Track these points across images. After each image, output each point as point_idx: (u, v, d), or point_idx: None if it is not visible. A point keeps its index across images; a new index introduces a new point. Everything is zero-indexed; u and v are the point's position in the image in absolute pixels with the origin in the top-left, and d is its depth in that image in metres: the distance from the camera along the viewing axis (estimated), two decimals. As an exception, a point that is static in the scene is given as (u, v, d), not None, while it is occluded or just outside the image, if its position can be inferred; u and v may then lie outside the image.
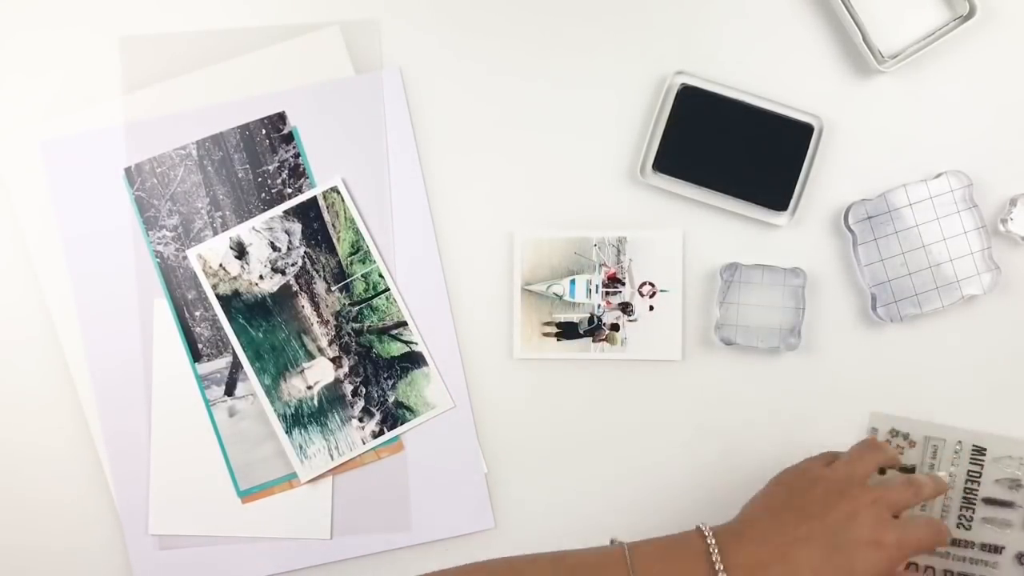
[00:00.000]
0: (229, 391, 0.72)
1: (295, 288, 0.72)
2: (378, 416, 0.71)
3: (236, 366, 0.72)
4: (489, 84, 0.73)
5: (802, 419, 0.71)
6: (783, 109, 0.71)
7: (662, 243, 0.71)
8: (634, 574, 0.55)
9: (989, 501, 0.69)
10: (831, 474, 0.60)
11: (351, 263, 0.72)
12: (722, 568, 0.54)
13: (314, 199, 0.72)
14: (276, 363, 0.72)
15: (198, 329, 0.72)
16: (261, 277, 0.72)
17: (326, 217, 0.72)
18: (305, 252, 0.72)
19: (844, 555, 0.55)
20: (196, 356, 0.72)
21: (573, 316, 0.71)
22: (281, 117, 0.73)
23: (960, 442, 0.69)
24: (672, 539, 0.58)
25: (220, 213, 0.72)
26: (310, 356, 0.72)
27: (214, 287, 0.72)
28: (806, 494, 0.58)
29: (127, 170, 0.72)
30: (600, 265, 0.72)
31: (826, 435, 0.71)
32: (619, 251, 0.71)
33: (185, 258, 0.72)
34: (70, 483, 0.72)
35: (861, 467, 0.60)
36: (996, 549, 0.69)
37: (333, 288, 0.72)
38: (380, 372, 0.72)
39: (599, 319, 0.71)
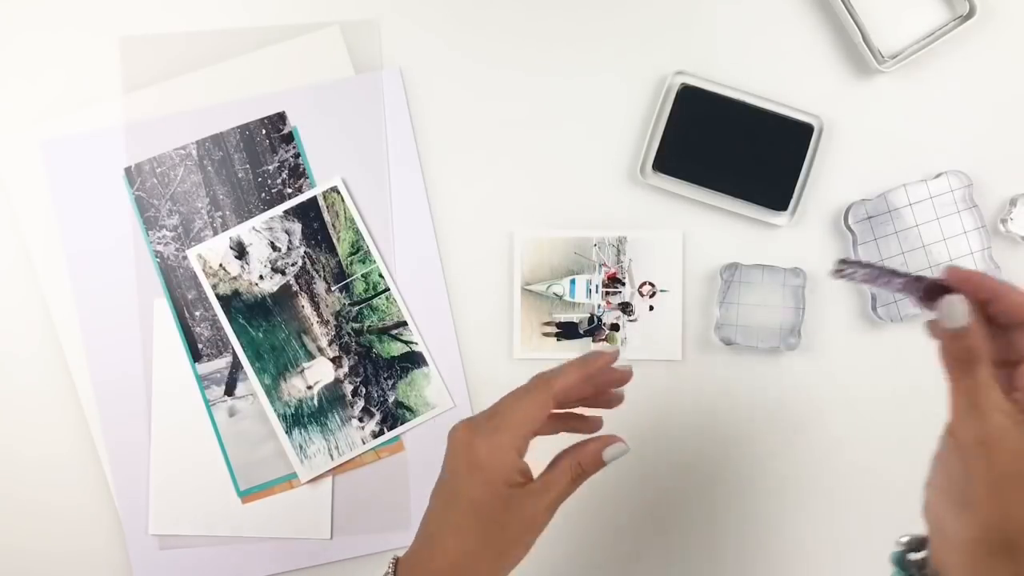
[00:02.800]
0: (229, 391, 0.72)
1: (295, 288, 0.72)
2: (378, 416, 0.71)
3: (236, 366, 0.72)
4: (489, 84, 0.73)
5: (802, 419, 0.71)
6: (783, 109, 0.71)
7: (662, 243, 0.71)
8: None
9: None
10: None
11: (351, 263, 0.72)
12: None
13: (314, 199, 0.72)
14: (276, 363, 0.72)
15: (198, 329, 0.72)
16: (261, 277, 0.72)
17: (326, 217, 0.72)
18: (305, 252, 0.72)
19: (453, 496, 0.52)
20: (196, 356, 0.72)
21: (573, 316, 0.71)
22: (281, 117, 0.73)
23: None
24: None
25: (220, 213, 0.72)
26: (310, 356, 0.72)
27: (214, 287, 0.72)
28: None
29: (127, 170, 0.72)
30: (600, 265, 0.72)
31: (826, 435, 0.71)
32: (619, 251, 0.71)
33: (185, 258, 0.72)
34: (70, 483, 0.72)
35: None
36: None
37: (333, 288, 0.72)
38: (380, 372, 0.72)
39: (599, 319, 0.71)
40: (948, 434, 0.47)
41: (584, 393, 0.57)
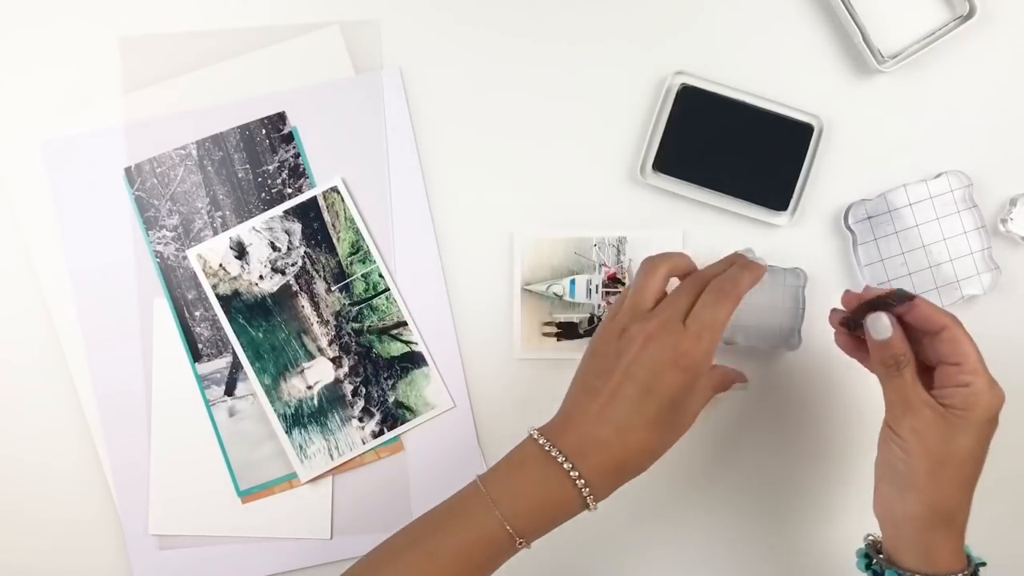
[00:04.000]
0: (229, 391, 0.72)
1: (295, 288, 0.72)
2: (378, 416, 0.71)
3: (236, 366, 0.72)
4: (489, 84, 0.73)
5: (802, 419, 0.71)
6: (783, 109, 0.71)
7: (662, 243, 0.71)
8: (492, 499, 0.56)
9: None
10: (618, 321, 0.59)
11: (351, 263, 0.72)
12: (562, 456, 0.56)
13: (314, 199, 0.72)
14: (276, 363, 0.72)
15: (198, 329, 0.72)
16: (261, 277, 0.72)
17: (326, 217, 0.72)
18: (305, 252, 0.72)
19: (653, 392, 0.56)
20: (196, 356, 0.72)
21: (573, 316, 0.71)
22: (281, 117, 0.73)
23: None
24: (512, 453, 0.59)
25: (220, 213, 0.72)
26: (310, 356, 0.72)
27: (214, 287, 0.72)
28: (603, 351, 0.59)
29: (127, 170, 0.72)
30: (600, 265, 0.72)
31: (827, 436, 0.71)
32: (619, 251, 0.71)
33: (185, 258, 0.72)
34: (70, 483, 0.72)
35: (640, 296, 0.59)
36: None
37: (333, 288, 0.72)
38: (380, 372, 0.72)
39: (599, 319, 0.71)
40: (886, 428, 0.57)
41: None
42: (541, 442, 0.57)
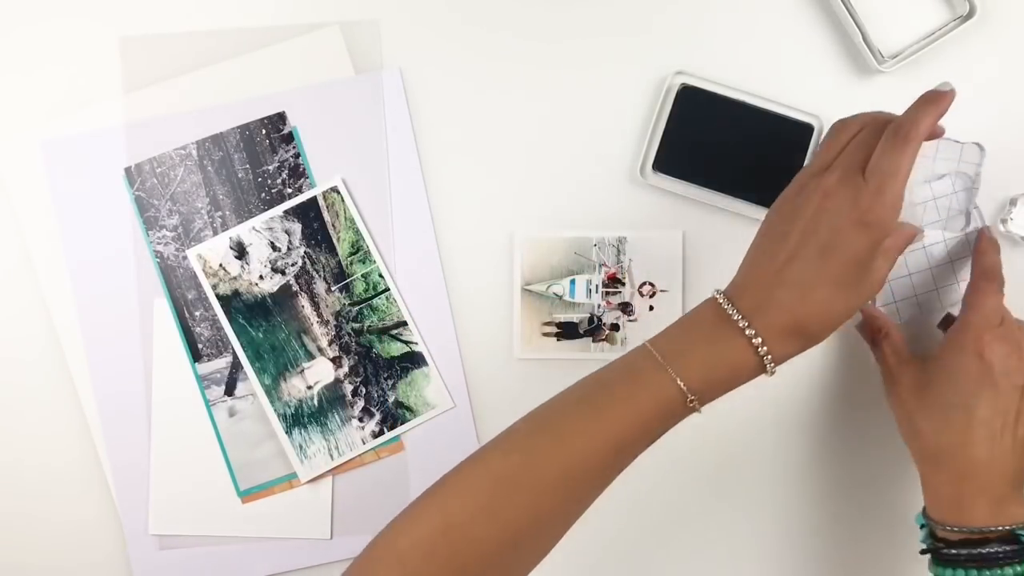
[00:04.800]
0: (229, 391, 0.72)
1: (295, 288, 0.72)
2: (378, 416, 0.71)
3: (236, 366, 0.72)
4: (489, 84, 0.73)
5: (800, 420, 0.71)
6: (783, 109, 0.71)
7: (662, 243, 0.71)
8: (662, 357, 0.54)
9: None
10: (798, 179, 0.56)
11: (351, 263, 0.72)
12: (738, 315, 0.53)
13: (314, 199, 0.72)
14: (276, 363, 0.72)
15: (198, 329, 0.72)
16: (261, 277, 0.72)
17: (326, 217, 0.72)
18: (305, 252, 0.72)
19: (834, 249, 0.53)
20: (196, 356, 0.72)
21: (573, 316, 0.71)
22: (281, 117, 0.73)
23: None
24: (683, 318, 0.57)
25: (220, 213, 0.72)
26: (310, 356, 0.72)
27: (214, 287, 0.72)
28: (782, 211, 0.56)
29: (127, 170, 0.72)
30: (600, 265, 0.72)
31: (826, 437, 0.71)
32: (619, 251, 0.71)
33: (185, 258, 0.72)
34: (70, 483, 0.72)
35: (823, 154, 0.56)
36: None
37: (333, 288, 0.72)
38: (380, 372, 0.72)
39: (599, 319, 0.71)
40: (888, 395, 0.64)
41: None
42: (720, 300, 0.54)
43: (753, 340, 0.53)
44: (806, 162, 0.60)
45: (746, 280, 0.55)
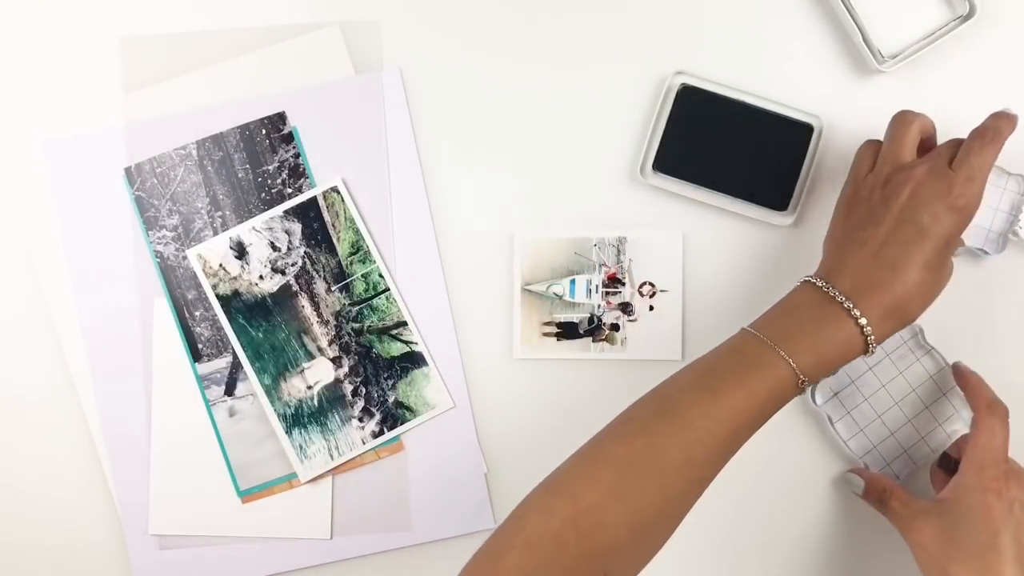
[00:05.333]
0: (229, 391, 0.72)
1: (295, 288, 0.72)
2: (378, 416, 0.71)
3: (236, 366, 0.72)
4: (489, 84, 0.73)
5: (797, 422, 0.71)
6: (783, 109, 0.71)
7: (662, 243, 0.71)
8: (772, 340, 0.56)
9: None
10: (877, 174, 0.60)
11: (351, 263, 0.72)
12: (842, 296, 0.56)
13: (314, 199, 0.72)
14: (276, 363, 0.72)
15: (198, 329, 0.72)
16: (261, 277, 0.72)
17: (326, 217, 0.72)
18: (305, 252, 0.72)
19: (929, 233, 0.57)
20: (196, 356, 0.72)
21: (573, 316, 0.71)
22: (281, 117, 0.73)
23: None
24: (780, 303, 0.59)
25: (220, 213, 0.72)
26: (310, 356, 0.72)
27: (214, 287, 0.72)
28: (866, 206, 0.60)
29: (127, 170, 0.72)
30: (600, 265, 0.72)
31: (826, 438, 0.71)
32: (619, 251, 0.71)
33: (185, 258, 0.72)
34: (70, 483, 0.72)
35: (899, 150, 0.61)
36: None
37: (333, 288, 0.72)
38: (380, 372, 0.72)
39: (599, 319, 0.71)
40: (914, 549, 0.61)
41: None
42: (819, 284, 0.57)
43: (859, 320, 0.55)
44: (855, 164, 0.64)
45: (841, 264, 0.58)
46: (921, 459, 0.69)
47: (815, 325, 0.56)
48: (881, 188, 0.59)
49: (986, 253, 0.69)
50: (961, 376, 0.66)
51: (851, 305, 0.55)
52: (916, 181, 0.58)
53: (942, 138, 0.71)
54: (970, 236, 0.68)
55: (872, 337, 0.56)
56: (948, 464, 0.66)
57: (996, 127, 0.59)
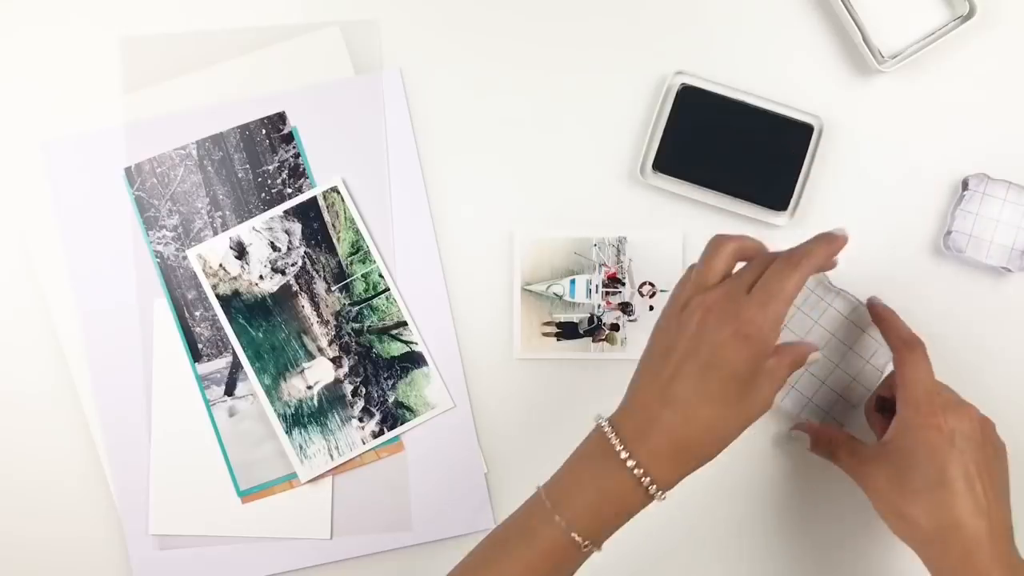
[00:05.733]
0: (229, 391, 0.72)
1: (295, 288, 0.72)
2: (378, 416, 0.72)
3: (236, 366, 0.72)
4: (489, 84, 0.73)
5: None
6: (783, 109, 0.71)
7: (662, 243, 0.71)
8: (552, 504, 0.54)
9: None
10: (677, 300, 0.56)
11: (351, 263, 0.72)
12: (620, 445, 0.53)
13: (314, 199, 0.72)
14: (276, 363, 0.72)
15: (198, 329, 0.72)
16: (261, 277, 0.72)
17: (326, 217, 0.72)
18: (305, 252, 0.72)
19: (714, 365, 0.52)
20: (196, 356, 0.72)
21: (573, 316, 0.71)
22: (281, 117, 0.73)
23: None
24: (577, 448, 0.56)
25: (220, 213, 0.72)
26: (310, 356, 0.72)
27: (214, 287, 0.72)
28: (665, 328, 0.56)
29: (127, 170, 0.72)
30: (600, 265, 0.72)
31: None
32: (619, 251, 0.71)
33: (185, 258, 0.72)
34: (70, 483, 0.72)
35: (705, 273, 0.55)
36: None
37: (333, 288, 0.72)
38: (380, 372, 0.72)
39: (599, 319, 0.71)
40: (869, 496, 0.62)
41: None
42: (605, 428, 0.54)
43: (634, 472, 0.52)
44: (681, 275, 0.59)
45: (632, 403, 0.55)
46: (857, 399, 0.69)
47: (593, 481, 0.54)
48: (679, 313, 0.55)
49: (1009, 271, 0.69)
50: (876, 313, 0.65)
51: (627, 455, 0.52)
52: (706, 307, 0.53)
53: (934, 138, 0.71)
54: (993, 254, 0.69)
55: (654, 487, 0.52)
56: (884, 406, 0.66)
57: (808, 251, 0.54)
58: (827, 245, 0.55)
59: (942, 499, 0.57)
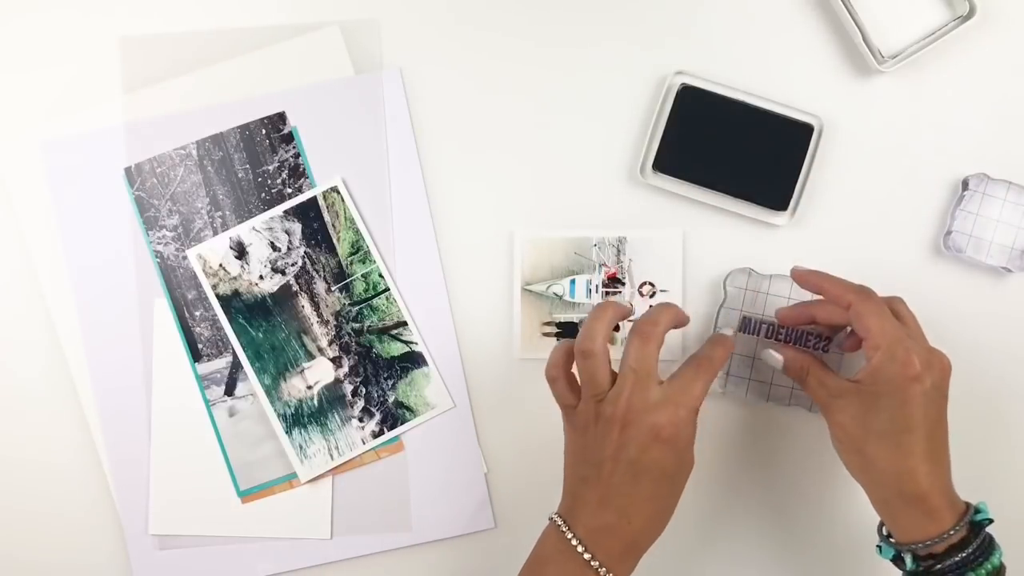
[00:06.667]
0: (229, 391, 0.72)
1: (295, 288, 0.72)
2: (378, 416, 0.71)
3: (236, 366, 0.72)
4: (489, 84, 0.73)
5: (793, 423, 0.71)
6: (783, 109, 0.71)
7: (662, 243, 0.71)
8: None
9: None
10: (584, 409, 0.59)
11: (351, 263, 0.72)
12: (581, 546, 0.56)
13: (314, 199, 0.72)
14: (276, 363, 0.72)
15: (198, 329, 0.72)
16: (261, 277, 0.72)
17: (326, 217, 0.72)
18: (305, 252, 0.72)
19: (643, 471, 0.57)
20: (196, 356, 0.72)
21: (573, 316, 0.71)
22: (281, 117, 0.73)
23: None
24: (535, 550, 0.60)
25: (220, 213, 0.72)
26: (310, 356, 0.72)
27: (214, 287, 0.72)
28: (584, 436, 0.59)
29: (127, 170, 0.72)
30: (600, 265, 0.72)
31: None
32: (619, 251, 0.71)
33: (185, 258, 0.72)
34: (70, 483, 0.72)
35: (596, 380, 0.59)
36: None
37: (333, 288, 0.72)
38: (380, 372, 0.72)
39: (599, 319, 0.71)
40: (831, 427, 0.62)
41: None
42: (561, 527, 0.58)
43: (599, 571, 0.56)
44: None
45: (574, 505, 0.59)
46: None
47: None
48: (595, 424, 0.58)
49: (1009, 271, 0.69)
50: (811, 281, 0.64)
51: (590, 556, 0.56)
52: (621, 425, 0.57)
53: (934, 138, 0.71)
54: (993, 254, 0.69)
55: None
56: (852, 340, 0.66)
57: (654, 318, 0.59)
58: (669, 311, 0.60)
59: (906, 444, 0.58)
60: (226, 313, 0.72)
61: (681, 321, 0.62)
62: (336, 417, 0.71)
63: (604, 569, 0.56)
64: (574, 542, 0.57)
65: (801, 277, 0.65)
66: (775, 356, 0.66)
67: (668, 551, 0.71)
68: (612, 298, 0.64)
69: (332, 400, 0.71)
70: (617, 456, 0.57)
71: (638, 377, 0.57)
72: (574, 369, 0.60)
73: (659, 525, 0.59)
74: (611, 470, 0.57)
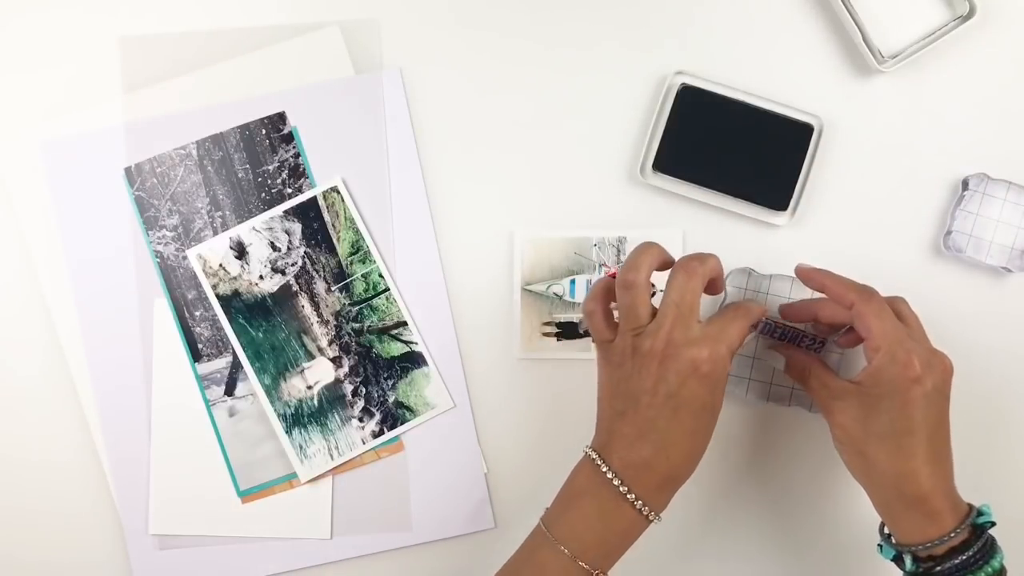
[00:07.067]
0: (229, 391, 0.72)
1: (295, 288, 0.72)
2: (378, 416, 0.71)
3: (236, 366, 0.72)
4: (489, 84, 0.73)
5: (793, 422, 0.71)
6: (783, 109, 0.71)
7: (662, 243, 0.71)
8: (558, 539, 0.57)
9: None
10: (620, 343, 0.59)
11: (351, 263, 0.72)
12: (618, 481, 0.57)
13: (314, 199, 0.72)
14: (276, 363, 0.72)
15: (198, 329, 0.72)
16: (261, 277, 0.72)
17: (326, 217, 0.72)
18: (305, 252, 0.72)
19: (682, 405, 0.57)
20: (196, 356, 0.72)
21: (573, 316, 0.71)
22: (281, 117, 0.73)
23: None
24: (568, 481, 0.60)
25: (220, 213, 0.72)
26: (310, 356, 0.72)
27: (214, 287, 0.72)
28: (620, 369, 0.59)
29: (127, 170, 0.72)
30: (600, 265, 0.72)
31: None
32: (619, 251, 0.71)
33: (185, 258, 0.72)
34: (70, 483, 0.72)
35: (636, 313, 0.58)
36: None
37: (333, 288, 0.72)
38: (380, 372, 0.72)
39: (599, 319, 0.71)
40: (833, 429, 0.62)
41: None
42: (596, 460, 0.58)
43: (635, 504, 0.56)
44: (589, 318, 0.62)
45: (610, 440, 0.58)
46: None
47: (599, 516, 0.57)
48: (631, 358, 0.58)
49: (1009, 271, 0.69)
50: (815, 279, 0.64)
51: (626, 489, 0.56)
52: (660, 358, 0.57)
53: (934, 138, 0.71)
54: (993, 254, 0.69)
55: (652, 513, 0.57)
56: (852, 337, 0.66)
57: (700, 256, 0.59)
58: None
59: (907, 446, 0.58)
60: (226, 313, 0.72)
61: (719, 274, 0.60)
62: (336, 417, 0.71)
63: (641, 502, 0.56)
64: (609, 475, 0.56)
65: (805, 275, 0.64)
66: (777, 356, 0.67)
67: (668, 551, 0.71)
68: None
69: (332, 400, 0.71)
70: (656, 389, 0.57)
71: (680, 312, 0.57)
72: (612, 305, 0.61)
73: (694, 461, 0.58)
74: (649, 403, 0.57)
